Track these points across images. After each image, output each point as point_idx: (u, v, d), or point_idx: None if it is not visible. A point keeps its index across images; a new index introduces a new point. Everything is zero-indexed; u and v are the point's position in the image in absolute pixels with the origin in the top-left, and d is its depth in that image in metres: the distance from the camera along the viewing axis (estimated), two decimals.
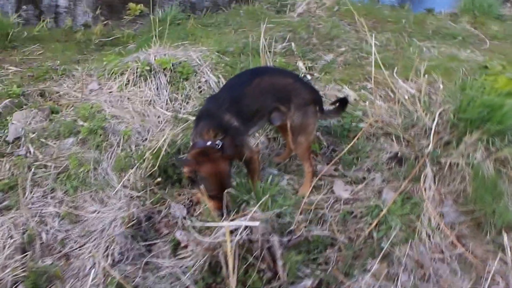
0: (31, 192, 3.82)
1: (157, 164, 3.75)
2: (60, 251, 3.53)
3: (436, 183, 3.91)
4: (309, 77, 5.32)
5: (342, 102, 4.07)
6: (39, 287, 3.26)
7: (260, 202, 3.22)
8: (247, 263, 3.04)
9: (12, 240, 3.40)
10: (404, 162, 4.11)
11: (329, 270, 3.24)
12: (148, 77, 4.80)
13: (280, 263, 3.09)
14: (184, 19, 7.22)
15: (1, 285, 3.20)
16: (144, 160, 3.83)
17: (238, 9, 7.78)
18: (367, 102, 4.74)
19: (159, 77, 4.81)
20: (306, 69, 5.44)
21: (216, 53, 5.35)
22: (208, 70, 4.92)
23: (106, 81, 4.91)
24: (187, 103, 4.70)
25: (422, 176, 3.84)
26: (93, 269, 3.33)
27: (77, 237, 3.59)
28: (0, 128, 4.35)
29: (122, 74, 4.86)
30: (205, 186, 3.36)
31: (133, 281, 3.29)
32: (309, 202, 3.72)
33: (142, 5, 6.62)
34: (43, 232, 3.52)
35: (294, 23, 6.53)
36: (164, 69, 4.84)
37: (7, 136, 4.27)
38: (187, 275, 3.18)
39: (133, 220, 3.56)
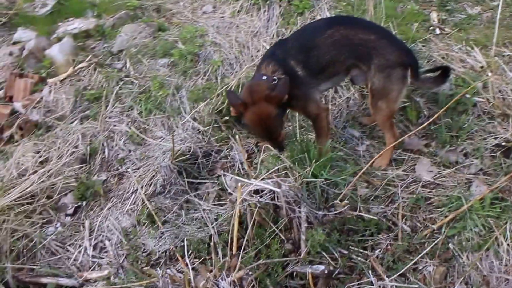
0: (112, 106, 4.49)
1: (227, 102, 3.88)
2: (117, 169, 4.09)
3: None
4: (437, 31, 4.83)
5: (444, 71, 3.68)
6: (85, 198, 3.99)
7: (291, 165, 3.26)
8: (271, 229, 3.15)
9: (75, 149, 4.02)
10: None
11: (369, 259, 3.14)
12: (262, 7, 4.88)
13: (303, 237, 3.08)
14: None
15: (52, 190, 3.76)
16: (218, 95, 4.11)
17: None
18: (496, 73, 4.23)
19: (273, 8, 4.85)
20: (439, 21, 4.91)
21: None
22: (326, 7, 4.76)
23: (221, 5, 5.12)
24: None
25: None
26: (134, 195, 3.87)
27: (136, 159, 4.13)
28: (110, 39, 4.94)
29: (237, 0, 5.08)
30: (251, 132, 3.50)
31: (165, 215, 3.73)
32: (381, 177, 3.61)
33: None
34: (107, 147, 4.02)
35: None
36: (280, 0, 4.88)
37: (113, 47, 4.85)
38: (213, 224, 3.44)
39: (186, 155, 3.96)
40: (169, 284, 2.89)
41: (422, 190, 3.54)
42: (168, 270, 3.16)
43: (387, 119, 3.61)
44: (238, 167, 3.84)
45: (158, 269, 3.26)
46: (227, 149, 3.95)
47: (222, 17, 4.99)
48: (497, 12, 4.11)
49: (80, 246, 3.57)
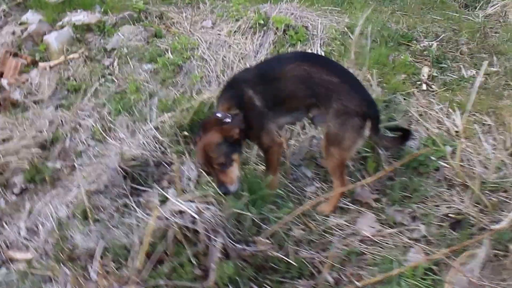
0: (88, 100, 4.73)
1: (190, 118, 4.10)
2: (73, 161, 4.34)
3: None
4: (424, 87, 4.86)
5: (405, 134, 3.72)
6: (34, 181, 4.21)
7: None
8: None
9: (39, 134, 4.22)
10: (462, 228, 3.63)
11: None
12: (258, 31, 5.05)
13: (213, 266, 3.18)
14: None
15: (5, 167, 4.00)
16: (183, 110, 4.20)
17: None
18: (470, 140, 4.25)
19: (268, 34, 5.03)
20: (428, 77, 4.94)
21: (346, 28, 5.24)
22: (319, 43, 4.92)
23: (221, 22, 5.31)
24: None
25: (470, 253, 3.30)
26: (77, 189, 4.07)
27: (92, 155, 4.34)
28: (108, 36, 5.22)
29: (237, 20, 5.23)
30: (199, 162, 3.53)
31: (99, 214, 3.89)
32: (321, 222, 3.67)
33: None
34: (69, 138, 4.22)
35: (464, 23, 6.02)
36: (276, 28, 5.03)
37: (107, 44, 5.13)
38: (136, 235, 3.57)
39: (137, 160, 4.11)
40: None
41: (359, 244, 3.55)
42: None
43: (337, 167, 3.63)
44: (186, 183, 3.98)
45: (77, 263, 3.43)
46: (180, 163, 4.09)
47: (219, 34, 5.18)
48: (491, 79, 4.14)
49: (15, 225, 3.78)
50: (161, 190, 3.43)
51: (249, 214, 3.29)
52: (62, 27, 5.31)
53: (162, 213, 3.19)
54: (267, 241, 3.25)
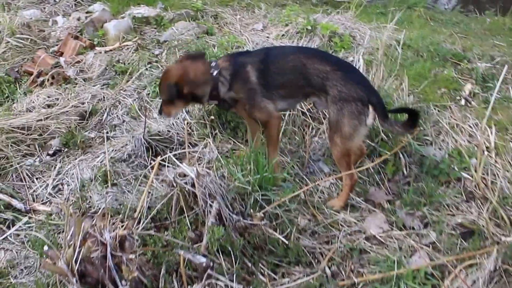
0: (132, 82, 5.17)
1: None
2: (106, 133, 4.73)
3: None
4: (462, 102, 4.89)
5: (413, 116, 3.70)
6: (68, 145, 4.65)
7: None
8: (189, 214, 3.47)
9: (81, 105, 4.70)
10: (474, 239, 3.62)
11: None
12: (304, 36, 5.33)
13: (204, 231, 3.37)
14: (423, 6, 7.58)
15: (45, 130, 4.45)
16: None
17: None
18: (501, 157, 4.23)
19: (313, 39, 5.27)
20: (469, 94, 4.93)
21: (394, 41, 5.36)
22: (362, 54, 5.03)
23: (272, 27, 5.64)
24: None
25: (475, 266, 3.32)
26: (103, 155, 4.46)
27: (125, 129, 4.70)
28: (163, 30, 5.70)
29: (287, 25, 5.54)
30: None
31: (118, 179, 4.23)
32: (329, 216, 3.80)
33: None
34: (107, 112, 4.66)
35: None
36: (322, 35, 5.29)
37: (161, 36, 5.58)
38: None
39: (162, 136, 4.46)
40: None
41: (364, 242, 3.64)
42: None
43: (342, 156, 3.76)
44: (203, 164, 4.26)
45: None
46: (203, 145, 4.38)
47: (267, 37, 5.50)
48: None
49: (44, 182, 4.21)
50: (172, 156, 3.68)
51: (248, 188, 3.49)
52: (123, 18, 5.85)
53: (166, 174, 3.49)
54: (262, 216, 3.42)
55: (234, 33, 5.63)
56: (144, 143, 4.26)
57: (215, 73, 3.81)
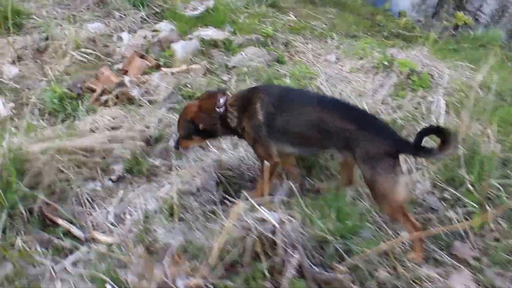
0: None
1: None
2: (172, 161, 4.55)
3: None
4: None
5: (443, 135, 3.39)
6: (132, 172, 4.37)
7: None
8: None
9: (146, 129, 4.51)
10: None
11: None
12: (381, 72, 5.14)
13: (284, 283, 3.13)
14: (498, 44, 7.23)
15: (108, 153, 4.28)
16: None
17: None
18: None
19: (390, 76, 5.10)
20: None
21: (474, 82, 5.05)
22: (443, 92, 4.83)
23: (345, 58, 5.48)
24: (395, 111, 4.88)
25: None
26: (170, 186, 4.25)
27: (191, 159, 4.52)
28: (232, 54, 5.56)
29: (361, 58, 5.35)
30: None
31: (184, 214, 4.03)
32: (411, 270, 3.53)
33: (469, 18, 6.89)
34: (173, 139, 4.46)
35: None
36: (400, 72, 5.09)
37: (230, 61, 5.45)
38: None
39: (232, 171, 4.26)
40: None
41: None
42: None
43: (395, 213, 3.58)
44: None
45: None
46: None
47: (340, 69, 5.31)
48: None
49: (105, 210, 4.02)
50: (247, 195, 3.47)
51: (329, 237, 3.25)
52: (190, 39, 5.70)
53: (243, 217, 3.27)
54: (347, 270, 3.18)
55: (306, 63, 5.42)
56: (215, 178, 4.01)
57: (221, 110, 3.88)
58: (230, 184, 4.14)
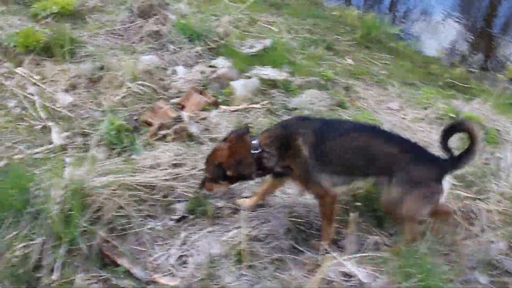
0: None
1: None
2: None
3: None
4: None
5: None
6: (194, 212, 4.15)
7: None
8: None
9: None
10: None
11: None
12: (445, 123, 4.97)
13: None
14: None
15: (170, 191, 4.18)
16: None
17: None
18: None
19: None
20: None
21: None
22: (510, 148, 4.67)
23: (408, 107, 5.37)
24: None
25: None
26: (236, 230, 3.99)
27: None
28: (291, 96, 5.48)
29: (425, 108, 5.28)
30: None
31: (253, 261, 3.82)
32: None
33: None
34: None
35: None
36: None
37: (290, 102, 5.37)
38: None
39: (302, 219, 4.09)
40: None
41: None
42: None
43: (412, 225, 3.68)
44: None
45: None
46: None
47: (403, 118, 5.16)
48: None
49: (167, 251, 3.84)
50: (327, 248, 3.29)
51: None
52: (248, 77, 5.61)
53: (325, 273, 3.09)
54: None
55: (367, 109, 5.28)
56: (285, 224, 3.84)
57: (256, 153, 3.74)
58: (299, 231, 3.92)
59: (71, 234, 3.59)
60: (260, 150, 3.73)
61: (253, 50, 6.19)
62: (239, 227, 3.92)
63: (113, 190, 3.93)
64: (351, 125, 4.03)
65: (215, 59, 6.02)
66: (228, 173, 3.76)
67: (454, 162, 3.63)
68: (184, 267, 3.75)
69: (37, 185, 3.91)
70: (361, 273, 3.00)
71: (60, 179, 3.84)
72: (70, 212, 3.65)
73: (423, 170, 3.57)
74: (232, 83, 5.45)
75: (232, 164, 3.74)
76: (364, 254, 3.30)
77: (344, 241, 3.81)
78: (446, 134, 3.67)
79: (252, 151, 3.74)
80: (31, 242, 3.59)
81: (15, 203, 3.72)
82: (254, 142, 3.77)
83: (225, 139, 3.89)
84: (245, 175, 3.84)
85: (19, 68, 5.80)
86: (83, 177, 3.84)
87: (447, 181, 3.66)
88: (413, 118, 5.17)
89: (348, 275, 3.10)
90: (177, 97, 5.40)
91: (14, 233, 3.66)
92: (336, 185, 3.83)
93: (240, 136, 3.86)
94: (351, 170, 3.75)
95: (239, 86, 5.36)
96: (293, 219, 3.96)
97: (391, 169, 3.58)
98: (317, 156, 3.64)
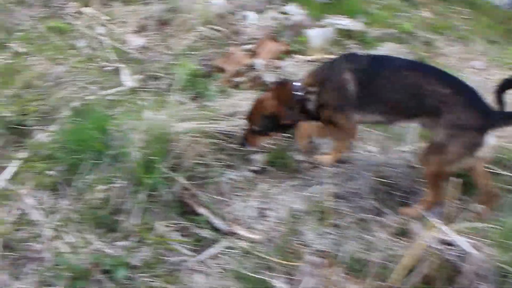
0: None
1: None
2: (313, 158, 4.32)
3: None
4: None
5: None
6: (274, 164, 4.10)
7: None
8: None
9: None
10: None
11: None
12: None
13: None
14: None
15: None
16: None
17: None
18: None
19: None
20: None
21: None
22: None
23: (492, 68, 5.15)
24: None
25: None
26: (319, 186, 3.93)
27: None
28: (368, 48, 5.27)
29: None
30: None
31: (336, 219, 3.76)
32: None
33: None
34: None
35: None
36: None
37: None
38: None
39: (388, 180, 3.92)
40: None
41: None
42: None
43: (434, 175, 3.45)
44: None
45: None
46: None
47: (487, 78, 4.92)
48: None
49: (246, 202, 3.76)
50: (426, 215, 3.16)
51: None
52: (322, 26, 5.40)
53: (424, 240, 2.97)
54: None
55: (449, 66, 5.04)
56: (371, 183, 3.71)
57: (299, 94, 3.61)
58: (384, 192, 3.80)
59: (152, 180, 3.51)
60: (304, 92, 3.61)
61: None
62: (321, 183, 3.81)
63: (194, 137, 3.83)
64: (403, 62, 3.77)
65: (285, 5, 5.78)
66: (281, 121, 3.66)
67: (506, 117, 3.37)
68: (264, 220, 3.67)
69: (116, 127, 3.85)
70: (464, 243, 2.84)
71: (139, 122, 3.76)
72: (151, 157, 3.56)
73: (471, 116, 3.31)
74: (308, 31, 5.25)
75: (285, 111, 3.63)
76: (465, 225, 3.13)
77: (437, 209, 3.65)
78: (504, 86, 3.43)
79: (295, 93, 3.62)
80: (111, 185, 3.52)
81: (96, 144, 3.67)
82: (296, 84, 3.65)
83: (266, 90, 3.78)
84: (292, 123, 3.76)
85: (86, 7, 5.68)
86: (164, 122, 3.74)
87: (492, 136, 3.36)
88: (499, 80, 4.91)
89: (448, 244, 2.94)
90: (249, 43, 5.23)
91: (94, 175, 3.62)
92: (368, 122, 3.85)
93: (281, 82, 3.79)
94: (398, 109, 3.55)
95: (315, 35, 5.18)
96: (378, 178, 3.79)
97: (440, 110, 3.35)
98: (363, 93, 3.49)
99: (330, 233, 3.50)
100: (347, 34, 5.39)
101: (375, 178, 3.82)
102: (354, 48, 5.27)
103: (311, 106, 3.65)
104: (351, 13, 5.76)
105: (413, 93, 3.43)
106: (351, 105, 3.54)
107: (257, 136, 3.78)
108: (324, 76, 3.63)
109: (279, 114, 3.63)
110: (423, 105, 3.41)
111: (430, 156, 3.43)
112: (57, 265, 3.11)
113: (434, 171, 3.45)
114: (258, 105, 3.72)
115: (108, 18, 5.45)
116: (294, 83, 3.66)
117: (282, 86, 3.71)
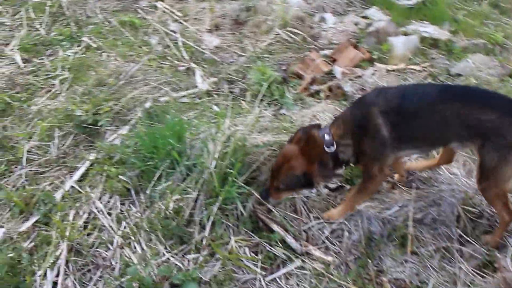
0: None
1: None
2: (407, 178, 4.16)
3: None
4: None
5: None
6: (352, 183, 4.00)
7: None
8: None
9: None
10: None
11: None
12: None
13: None
14: None
15: None
16: None
17: None
18: None
19: None
20: None
21: None
22: None
23: None
24: None
25: None
26: (400, 209, 3.82)
27: (419, 179, 4.09)
28: (454, 59, 5.03)
29: None
30: None
31: (417, 247, 3.59)
32: None
33: None
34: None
35: None
36: None
37: (453, 67, 4.90)
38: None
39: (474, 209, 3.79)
40: None
41: None
42: None
43: (496, 197, 3.28)
44: None
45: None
46: None
47: None
48: None
49: (320, 221, 3.66)
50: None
51: None
52: (405, 33, 5.17)
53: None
54: None
55: None
56: (456, 213, 3.53)
57: (331, 150, 3.32)
58: (469, 220, 3.61)
59: (228, 193, 3.45)
60: (336, 146, 3.34)
61: (410, 1, 5.68)
62: (401, 206, 3.66)
63: (270, 149, 3.74)
64: (436, 92, 3.42)
65: (367, 8, 5.56)
66: (315, 181, 3.37)
67: None
68: (339, 241, 3.56)
69: (192, 135, 3.80)
70: None
71: (219, 132, 3.70)
72: (228, 170, 3.50)
73: None
74: (391, 39, 5.03)
75: (318, 171, 3.33)
76: None
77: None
78: None
79: (326, 148, 3.33)
80: (184, 196, 3.49)
81: (172, 152, 3.64)
82: (326, 137, 3.34)
83: (290, 141, 3.47)
84: (327, 179, 3.57)
85: (160, 2, 5.66)
86: (244, 133, 3.67)
87: None
88: None
89: None
90: (328, 48, 5.07)
91: (168, 183, 3.59)
92: (403, 156, 3.67)
93: (307, 133, 3.41)
94: (433, 142, 3.44)
95: (399, 43, 4.95)
96: (463, 205, 3.60)
97: (487, 135, 3.17)
98: (398, 133, 3.26)
99: (410, 261, 3.34)
100: (432, 43, 5.13)
101: (459, 203, 3.60)
102: (439, 58, 5.02)
103: (347, 156, 3.41)
104: (436, 20, 5.49)
105: (453, 124, 3.24)
106: (386, 149, 3.34)
107: (282, 193, 3.49)
108: (354, 124, 3.36)
109: (311, 173, 3.34)
110: (464, 132, 3.26)
111: (486, 183, 3.28)
112: (125, 274, 3.09)
113: (495, 194, 3.30)
114: (285, 162, 3.37)
115: (181, 14, 5.40)
116: (323, 134, 3.37)
117: (311, 140, 3.38)
